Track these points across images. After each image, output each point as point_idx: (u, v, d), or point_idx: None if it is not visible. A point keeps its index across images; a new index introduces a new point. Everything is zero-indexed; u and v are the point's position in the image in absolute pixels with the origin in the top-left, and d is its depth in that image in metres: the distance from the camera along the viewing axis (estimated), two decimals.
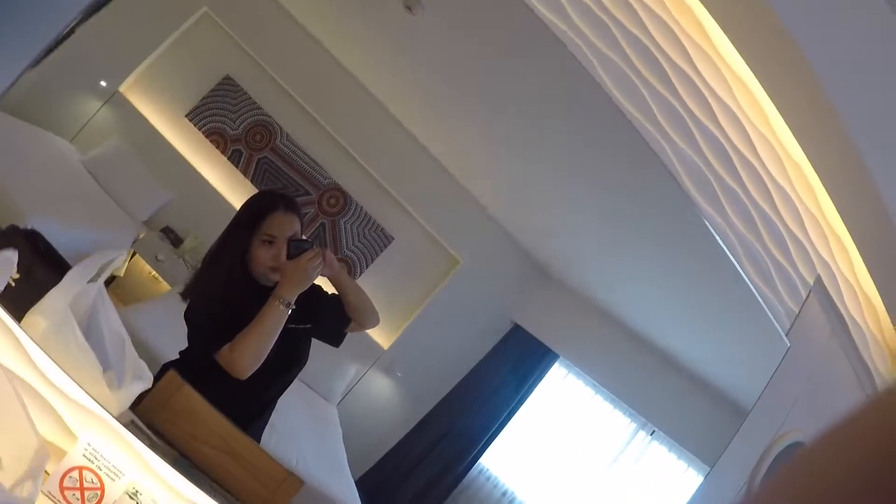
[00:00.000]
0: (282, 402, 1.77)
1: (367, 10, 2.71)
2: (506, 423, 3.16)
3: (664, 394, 2.94)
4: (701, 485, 1.94)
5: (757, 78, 1.54)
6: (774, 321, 1.92)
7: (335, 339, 1.60)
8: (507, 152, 2.79)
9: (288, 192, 1.54)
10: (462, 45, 2.39)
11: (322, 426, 2.78)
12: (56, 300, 0.93)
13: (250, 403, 1.55)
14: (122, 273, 3.16)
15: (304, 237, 1.46)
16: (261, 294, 1.41)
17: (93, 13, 1.55)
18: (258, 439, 1.60)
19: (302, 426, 2.52)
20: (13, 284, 1.03)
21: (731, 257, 1.81)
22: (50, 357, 0.94)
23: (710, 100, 1.57)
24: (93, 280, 1.02)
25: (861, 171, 1.52)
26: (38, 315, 0.94)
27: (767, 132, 1.65)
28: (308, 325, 1.52)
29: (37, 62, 1.35)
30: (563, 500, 3.03)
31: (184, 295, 1.47)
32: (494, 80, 2.42)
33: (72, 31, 1.53)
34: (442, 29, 2.47)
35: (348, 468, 2.65)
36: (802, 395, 2.02)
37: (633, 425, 2.98)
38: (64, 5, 1.37)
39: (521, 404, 3.16)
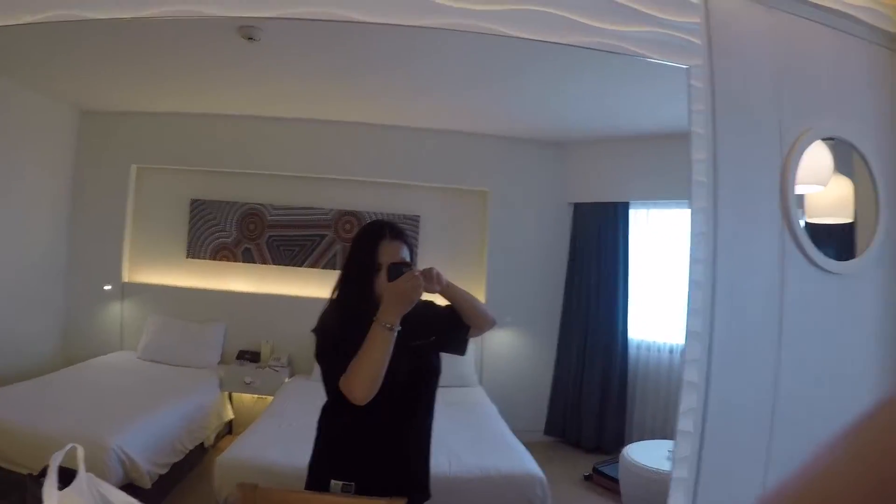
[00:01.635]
0: None
1: (225, 62, 2.66)
2: (627, 292, 3.05)
3: None
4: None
5: None
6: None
7: (459, 348, 1.62)
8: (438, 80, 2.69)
9: (393, 223, 1.58)
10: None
11: (470, 414, 2.73)
12: None
13: (403, 426, 1.54)
14: (231, 414, 3.24)
15: (406, 260, 1.46)
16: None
17: None
18: (426, 459, 1.60)
19: (446, 428, 2.49)
20: None
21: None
22: None
23: None
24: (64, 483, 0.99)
25: None
26: None
27: None
28: (432, 339, 1.54)
29: None
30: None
31: (314, 331, 1.51)
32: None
33: None
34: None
35: (511, 435, 2.58)
36: (789, 87, 1.79)
37: None
38: None
39: (628, 266, 3.04)
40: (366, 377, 1.34)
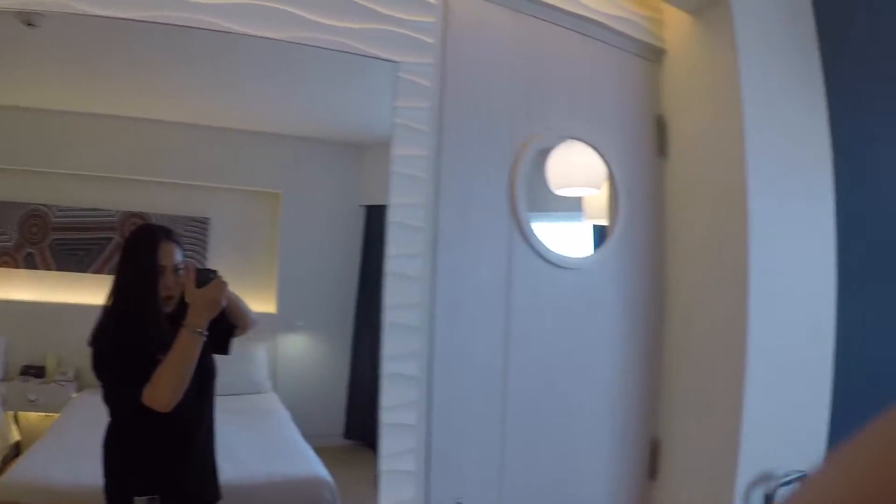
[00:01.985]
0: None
1: (4, 48, 2.44)
2: None
3: None
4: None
5: None
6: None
7: (224, 348, 1.69)
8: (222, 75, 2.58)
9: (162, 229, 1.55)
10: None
11: (260, 421, 2.70)
12: None
13: (195, 430, 1.59)
14: (17, 436, 3.03)
15: (204, 266, 1.47)
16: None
17: None
18: (215, 460, 1.66)
19: (233, 436, 2.45)
20: None
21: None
22: None
23: None
24: None
25: None
26: None
27: None
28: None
29: None
30: None
31: (91, 343, 1.45)
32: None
33: None
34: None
35: (302, 441, 2.58)
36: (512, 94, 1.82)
37: None
38: None
39: None
40: (176, 384, 1.35)
